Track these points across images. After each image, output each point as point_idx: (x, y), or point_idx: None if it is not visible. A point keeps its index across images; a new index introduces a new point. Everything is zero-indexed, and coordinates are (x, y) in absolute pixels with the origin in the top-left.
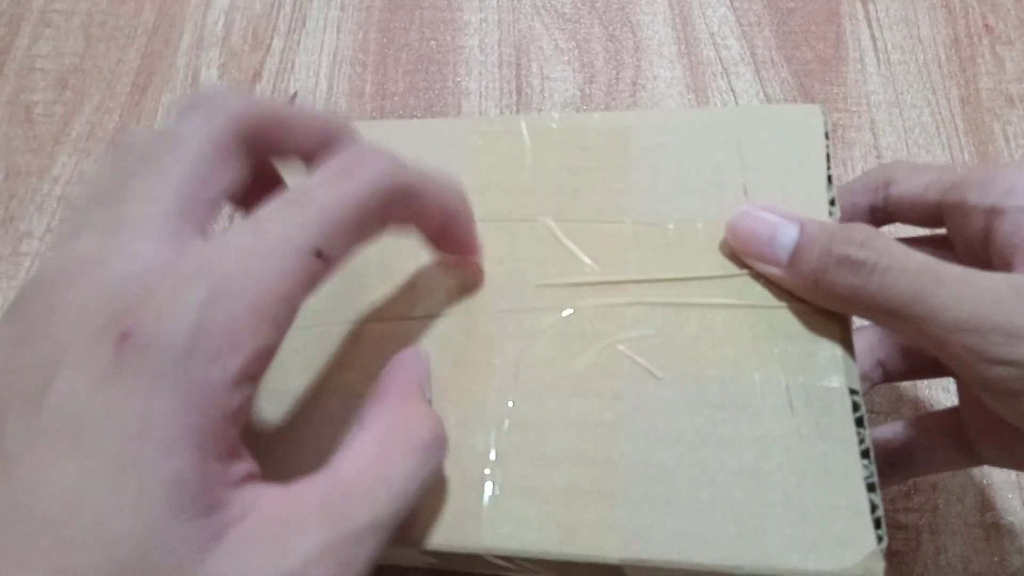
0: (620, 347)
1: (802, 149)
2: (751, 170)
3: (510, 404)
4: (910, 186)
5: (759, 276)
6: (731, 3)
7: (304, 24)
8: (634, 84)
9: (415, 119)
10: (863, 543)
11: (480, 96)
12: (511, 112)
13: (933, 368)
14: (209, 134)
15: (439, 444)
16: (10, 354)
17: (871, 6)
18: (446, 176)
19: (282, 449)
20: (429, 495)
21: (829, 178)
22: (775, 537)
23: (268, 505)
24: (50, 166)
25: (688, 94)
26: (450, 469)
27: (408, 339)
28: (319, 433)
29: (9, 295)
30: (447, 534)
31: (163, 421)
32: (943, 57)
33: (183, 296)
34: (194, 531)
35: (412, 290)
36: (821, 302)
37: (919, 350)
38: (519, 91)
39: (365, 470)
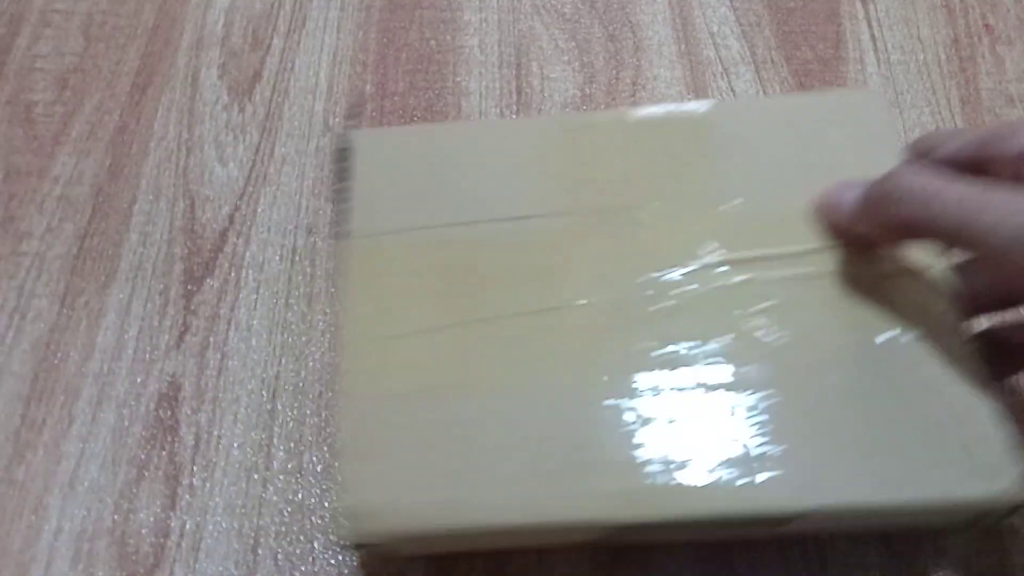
0: (753, 320)
1: (874, 132)
2: (831, 152)
3: (663, 376)
4: (949, 149)
5: (857, 248)
6: (731, 3)
7: (304, 24)
8: (634, 84)
9: (500, 119)
10: (1012, 470)
11: (480, 96)
12: (511, 112)
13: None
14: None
15: None
16: None
17: (871, 6)
18: None
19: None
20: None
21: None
22: (936, 473)
23: None
24: (50, 166)
25: (688, 94)
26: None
27: (550, 329)
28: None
29: (9, 295)
30: (635, 504)
31: None
32: (943, 57)
33: None
34: None
35: (549, 278)
36: (888, 237)
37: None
38: (519, 91)
39: None
